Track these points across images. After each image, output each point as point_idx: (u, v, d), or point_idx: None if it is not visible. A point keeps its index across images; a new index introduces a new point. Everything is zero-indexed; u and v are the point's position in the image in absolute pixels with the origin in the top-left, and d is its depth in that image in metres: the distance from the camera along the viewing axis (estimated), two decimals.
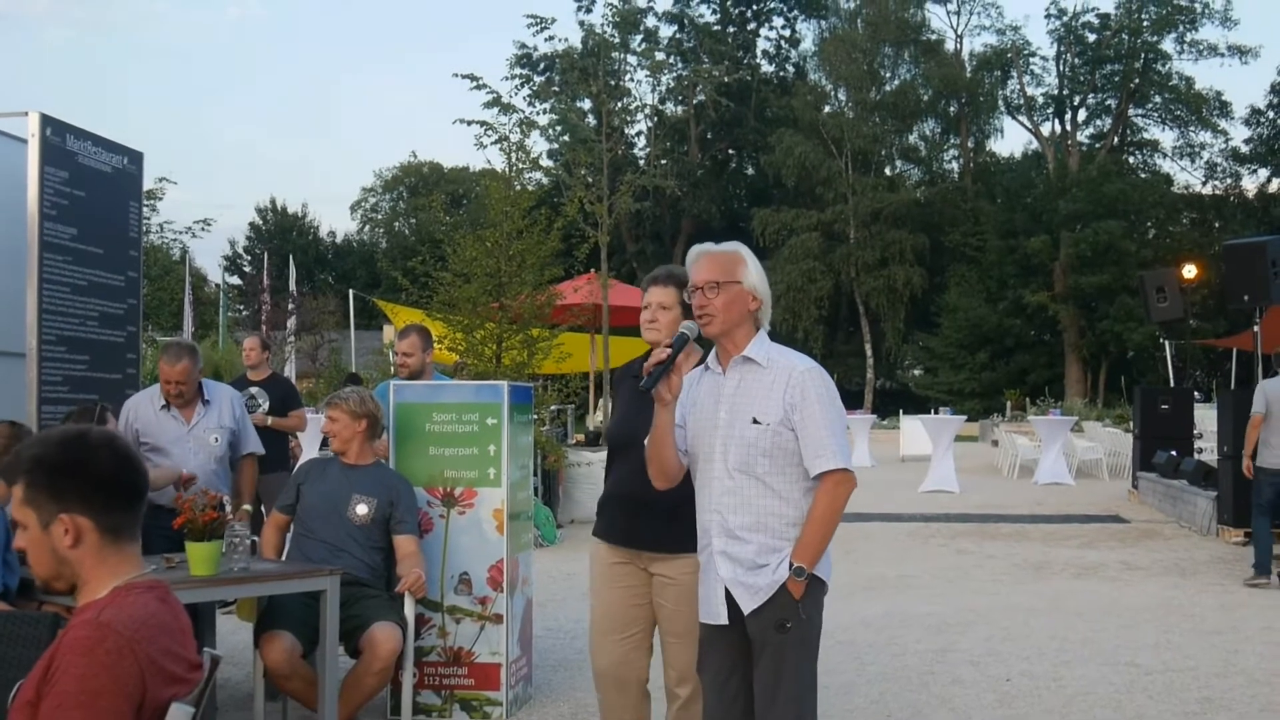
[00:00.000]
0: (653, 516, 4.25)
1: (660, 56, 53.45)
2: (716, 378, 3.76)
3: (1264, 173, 54.50)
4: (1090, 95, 56.55)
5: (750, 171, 62.93)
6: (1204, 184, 56.07)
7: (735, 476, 3.64)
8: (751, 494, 3.63)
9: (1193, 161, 56.41)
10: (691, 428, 3.78)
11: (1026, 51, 56.73)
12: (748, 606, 3.60)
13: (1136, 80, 54.55)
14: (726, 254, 3.77)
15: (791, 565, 3.56)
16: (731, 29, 60.87)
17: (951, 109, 57.75)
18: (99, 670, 2.34)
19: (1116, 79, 55.22)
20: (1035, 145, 57.82)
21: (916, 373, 57.03)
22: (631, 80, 53.32)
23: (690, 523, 4.03)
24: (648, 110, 55.19)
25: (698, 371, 3.86)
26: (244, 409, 6.55)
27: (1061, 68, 56.35)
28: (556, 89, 44.93)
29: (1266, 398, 10.60)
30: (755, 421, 3.62)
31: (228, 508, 5.18)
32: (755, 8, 61.18)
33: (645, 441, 4.11)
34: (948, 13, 58.76)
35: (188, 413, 6.17)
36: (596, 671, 4.47)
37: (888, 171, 57.28)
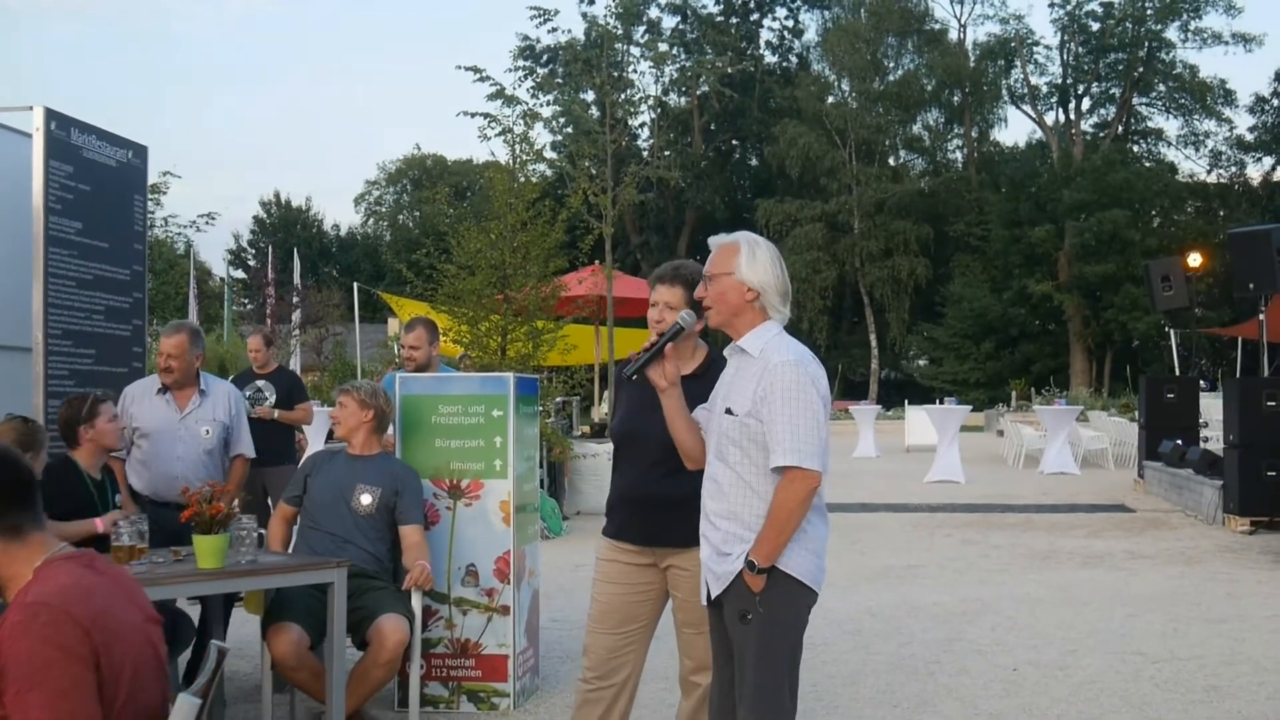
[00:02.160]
0: (663, 513, 4.26)
1: (663, 48, 53.49)
2: (726, 366, 3.83)
3: (1269, 160, 54.44)
4: (1094, 84, 56.39)
5: (754, 162, 62.86)
6: (1209, 172, 56.07)
7: (713, 464, 3.72)
8: (725, 482, 3.67)
9: (1197, 150, 56.32)
10: (709, 415, 3.86)
11: (1030, 41, 56.57)
12: (713, 592, 3.69)
13: (1140, 69, 54.40)
14: (724, 246, 3.81)
15: (746, 558, 3.57)
16: (735, 20, 60.76)
17: (955, 99, 57.60)
18: (40, 644, 2.36)
19: (1120, 68, 55.07)
20: (1039, 135, 57.68)
21: (921, 363, 57.01)
22: (635, 71, 53.42)
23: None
24: (651, 101, 55.00)
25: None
26: (242, 408, 6.52)
27: (1065, 57, 56.19)
28: (560, 81, 44.91)
29: None
30: (729, 411, 3.66)
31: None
32: None
33: (645, 440, 4.21)
34: (951, 2, 58.96)
35: (182, 399, 6.17)
36: (586, 659, 4.46)
37: (891, 162, 57.20)
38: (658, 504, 4.26)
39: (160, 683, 2.62)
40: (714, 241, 3.85)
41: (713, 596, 3.69)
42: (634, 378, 3.83)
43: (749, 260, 3.72)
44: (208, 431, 6.18)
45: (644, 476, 4.29)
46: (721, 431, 3.67)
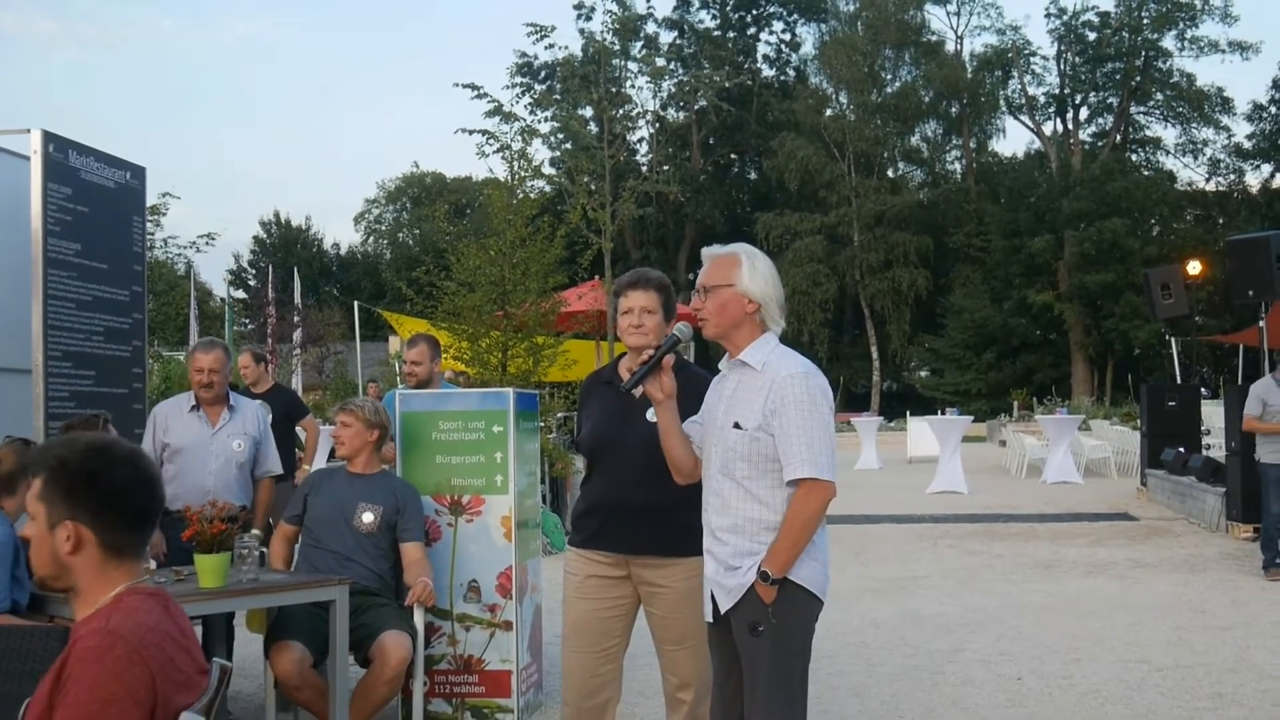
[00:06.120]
0: (641, 522, 4.23)
1: (661, 63, 53.64)
2: (724, 379, 3.79)
3: (1267, 168, 54.45)
4: (1092, 94, 56.50)
5: (753, 176, 62.97)
6: (1207, 180, 56.11)
7: (718, 479, 3.68)
8: (731, 497, 3.64)
9: (1195, 158, 56.42)
10: (704, 428, 3.82)
11: (1027, 51, 56.75)
12: (722, 607, 3.65)
13: (1138, 78, 54.51)
14: (723, 257, 3.78)
15: (759, 569, 3.56)
16: (731, 34, 60.91)
17: (953, 110, 57.74)
18: (109, 678, 2.34)
19: (1118, 77, 55.18)
20: (1038, 145, 57.77)
21: (923, 374, 56.97)
22: (632, 87, 53.53)
23: (679, 528, 4.02)
24: (649, 116, 55.25)
25: (723, 372, 3.85)
26: (268, 425, 6.56)
27: (1062, 66, 56.33)
28: (558, 97, 45.01)
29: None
30: (736, 426, 3.62)
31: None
32: (755, 12, 61.24)
33: (624, 447, 4.17)
34: (948, 14, 58.85)
35: (214, 416, 6.21)
36: (565, 681, 4.44)
37: (890, 174, 57.31)
38: (636, 512, 4.22)
39: None
40: (709, 253, 3.81)
41: (722, 612, 3.64)
42: (633, 391, 3.81)
43: (750, 272, 3.71)
44: (240, 445, 6.23)
45: (622, 484, 4.23)
46: (728, 446, 3.63)
